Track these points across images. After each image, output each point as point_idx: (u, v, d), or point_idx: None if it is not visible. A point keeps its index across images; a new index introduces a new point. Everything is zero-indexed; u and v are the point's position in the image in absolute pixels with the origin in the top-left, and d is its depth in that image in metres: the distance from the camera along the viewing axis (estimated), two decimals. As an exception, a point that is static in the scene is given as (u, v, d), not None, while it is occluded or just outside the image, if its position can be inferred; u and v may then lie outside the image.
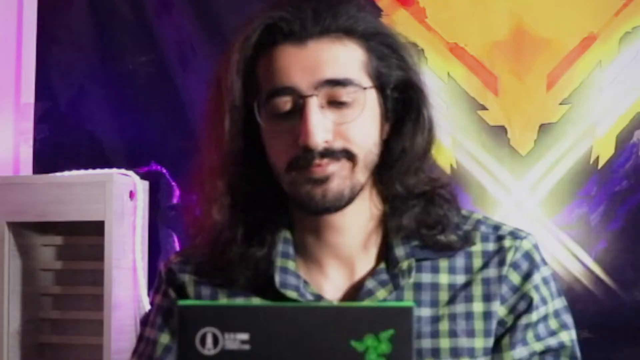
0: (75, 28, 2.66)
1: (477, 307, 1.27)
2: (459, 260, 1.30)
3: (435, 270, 1.30)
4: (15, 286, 2.46)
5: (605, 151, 2.30)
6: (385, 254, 1.30)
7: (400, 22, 2.39)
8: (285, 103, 1.22)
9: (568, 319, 1.31)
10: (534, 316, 1.27)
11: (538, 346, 1.28)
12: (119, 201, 2.40)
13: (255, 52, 1.23)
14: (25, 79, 2.72)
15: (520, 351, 1.25)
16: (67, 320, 2.52)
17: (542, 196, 2.34)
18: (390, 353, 0.81)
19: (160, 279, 1.37)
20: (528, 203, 2.34)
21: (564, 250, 2.30)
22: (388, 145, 1.28)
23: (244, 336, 0.82)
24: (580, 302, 2.24)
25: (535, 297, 1.28)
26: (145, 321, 1.39)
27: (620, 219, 2.27)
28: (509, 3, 2.40)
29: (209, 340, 0.82)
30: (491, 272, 1.28)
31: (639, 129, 2.29)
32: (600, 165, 2.30)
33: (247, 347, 0.82)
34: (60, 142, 2.66)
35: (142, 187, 2.50)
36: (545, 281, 1.30)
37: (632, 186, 2.27)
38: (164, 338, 1.35)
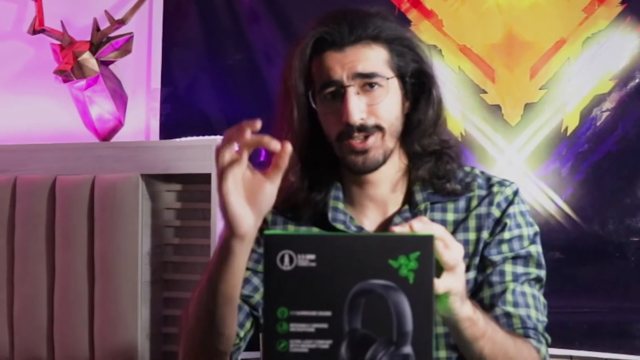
0: (189, 33, 2.88)
1: (472, 235, 1.46)
2: (461, 203, 1.46)
3: (444, 210, 1.47)
4: (147, 220, 2.70)
5: (572, 123, 2.47)
6: (408, 199, 1.47)
7: (424, 30, 2.57)
8: (332, 92, 1.40)
9: (537, 241, 1.47)
10: (507, 235, 1.43)
11: (510, 254, 1.43)
12: (222, 159, 2.65)
13: (309, 58, 1.40)
14: (154, 70, 2.93)
15: (495, 256, 1.42)
16: (184, 245, 2.76)
17: (526, 155, 2.52)
18: (417, 269, 0.94)
19: None
20: (516, 160, 2.52)
21: (542, 194, 2.49)
22: (409, 118, 1.46)
23: (312, 256, 0.95)
24: (554, 231, 2.43)
25: (509, 222, 1.44)
26: None
27: (582, 172, 2.46)
28: (503, 16, 2.55)
29: (287, 259, 0.95)
30: (482, 209, 1.45)
31: (596, 107, 2.45)
32: (568, 133, 2.47)
33: (314, 264, 0.95)
34: (179, 117, 2.87)
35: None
36: (521, 214, 1.46)
37: (591, 148, 2.44)
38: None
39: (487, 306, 1.38)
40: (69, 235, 2.73)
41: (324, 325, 0.95)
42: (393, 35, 1.41)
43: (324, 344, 0.95)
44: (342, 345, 0.95)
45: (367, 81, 1.37)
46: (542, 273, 1.44)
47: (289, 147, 1.09)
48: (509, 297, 1.38)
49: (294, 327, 0.95)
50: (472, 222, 1.45)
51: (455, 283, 1.09)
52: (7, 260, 2.81)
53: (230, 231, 1.11)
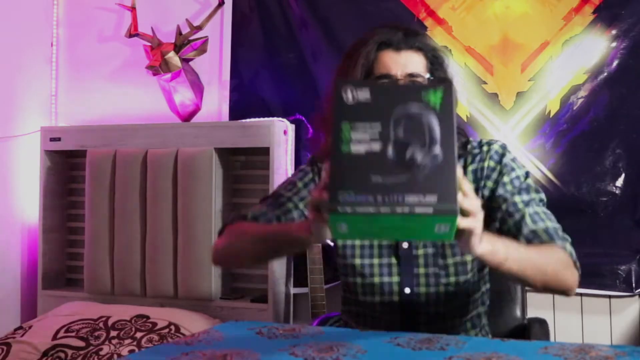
0: (252, 36, 3.07)
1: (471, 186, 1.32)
2: (461, 161, 1.58)
3: None
4: (218, 184, 2.91)
5: (554, 107, 2.65)
6: None
7: (437, 34, 2.77)
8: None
9: (530, 175, 1.56)
10: (506, 178, 1.53)
11: (514, 190, 1.51)
12: (277, 135, 2.83)
13: (373, 55, 1.51)
14: (225, 66, 3.11)
15: (504, 194, 1.52)
16: (247, 203, 2.93)
17: (518, 133, 2.70)
18: (442, 100, 1.06)
19: (308, 160, 1.68)
20: (510, 137, 2.70)
21: (530, 164, 2.66)
22: None
23: (368, 92, 1.06)
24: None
25: (505, 169, 1.54)
26: (294, 174, 1.66)
27: (562, 147, 2.64)
28: (499, 23, 2.74)
29: (350, 94, 1.05)
30: (476, 165, 1.57)
31: (573, 95, 2.64)
32: (551, 115, 2.65)
33: (369, 98, 1.06)
34: (244, 103, 3.05)
35: (291, 128, 2.91)
36: (512, 160, 1.56)
37: (569, 127, 2.64)
38: (299, 183, 1.65)
39: (514, 233, 1.47)
40: (157, 196, 2.96)
41: (376, 134, 1.04)
42: (429, 47, 1.56)
43: (376, 146, 1.04)
44: (389, 147, 1.04)
45: (413, 79, 1.51)
46: (543, 195, 1.55)
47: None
48: (528, 219, 1.48)
49: (354, 135, 1.04)
50: (469, 176, 1.58)
51: (474, 224, 1.16)
52: (109, 216, 3.07)
53: (310, 240, 1.27)
